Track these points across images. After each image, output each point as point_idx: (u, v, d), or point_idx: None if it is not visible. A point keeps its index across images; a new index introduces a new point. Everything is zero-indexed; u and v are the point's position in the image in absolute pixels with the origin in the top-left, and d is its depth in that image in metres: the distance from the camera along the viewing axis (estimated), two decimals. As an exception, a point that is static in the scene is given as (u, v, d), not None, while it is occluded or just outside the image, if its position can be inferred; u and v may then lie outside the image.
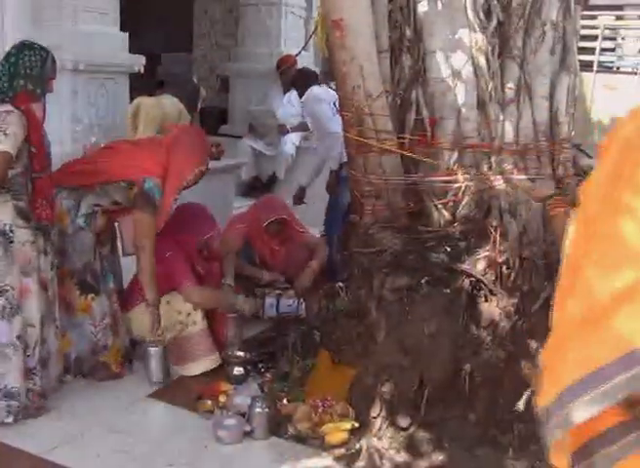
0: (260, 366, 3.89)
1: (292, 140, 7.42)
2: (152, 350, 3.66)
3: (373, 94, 3.26)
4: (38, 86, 3.09)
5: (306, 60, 8.38)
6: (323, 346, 3.60)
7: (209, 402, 3.45)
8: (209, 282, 4.16)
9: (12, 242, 3.04)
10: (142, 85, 6.32)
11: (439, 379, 3.09)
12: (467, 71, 3.26)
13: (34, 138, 3.06)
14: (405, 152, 3.36)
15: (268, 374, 3.75)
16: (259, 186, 7.59)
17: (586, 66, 8.57)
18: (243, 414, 3.27)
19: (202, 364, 3.83)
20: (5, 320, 3.07)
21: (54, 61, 3.21)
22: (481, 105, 3.29)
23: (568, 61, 3.44)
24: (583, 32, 8.41)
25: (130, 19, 6.14)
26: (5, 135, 2.93)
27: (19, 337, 3.10)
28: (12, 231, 3.04)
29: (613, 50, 9.30)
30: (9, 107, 2.98)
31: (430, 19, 3.25)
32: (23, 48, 3.10)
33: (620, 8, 11.71)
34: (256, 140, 7.46)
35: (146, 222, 3.56)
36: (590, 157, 7.65)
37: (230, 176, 6.20)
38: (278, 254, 4.73)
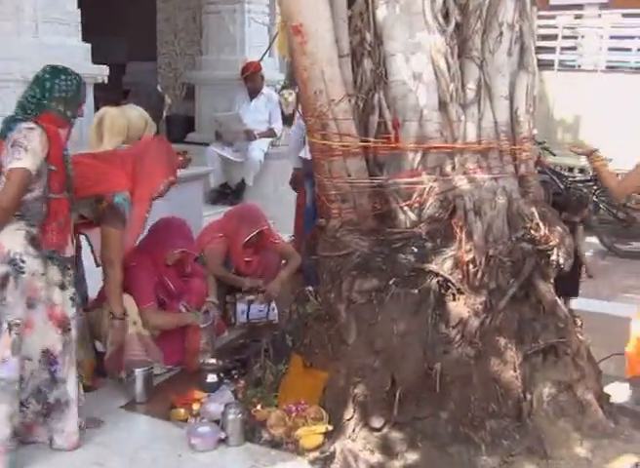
0: (233, 372, 3.90)
1: (259, 147, 7.42)
2: (138, 372, 3.66)
3: (335, 98, 3.28)
4: (69, 109, 3.06)
5: (270, 66, 8.41)
6: (295, 351, 3.62)
7: (182, 410, 3.45)
8: (186, 298, 4.17)
9: (23, 273, 2.91)
10: (107, 95, 6.29)
11: (410, 379, 3.11)
12: (428, 73, 3.29)
13: (54, 156, 2.97)
14: (369, 155, 3.39)
15: (242, 381, 3.75)
16: (228, 193, 7.57)
17: (548, 65, 8.67)
18: (217, 422, 3.28)
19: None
20: (15, 356, 2.92)
21: (85, 86, 3.20)
22: (443, 106, 3.33)
23: (526, 61, 3.49)
24: (544, 32, 8.55)
25: (92, 30, 6.11)
26: (25, 150, 2.86)
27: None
28: (23, 261, 2.90)
29: (574, 48, 9.42)
30: (31, 124, 2.92)
31: (390, 23, 3.28)
32: (58, 72, 3.05)
33: (580, 7, 11.90)
34: (223, 147, 7.44)
35: (115, 237, 3.54)
36: (554, 155, 7.74)
37: (198, 185, 6.18)
38: (252, 264, 4.76)
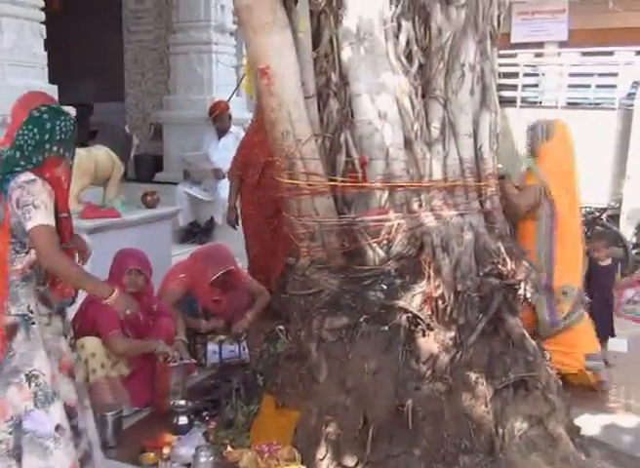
0: (204, 414, 3.87)
1: (228, 185, 7.44)
2: (109, 417, 3.62)
3: (302, 138, 3.32)
4: (68, 150, 2.87)
5: (238, 106, 8.49)
6: (266, 390, 3.60)
7: (152, 454, 3.41)
8: (155, 337, 4.15)
9: (33, 323, 2.80)
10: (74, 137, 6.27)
11: (383, 416, 3.11)
12: (393, 112, 3.35)
13: (62, 202, 2.84)
14: (337, 193, 3.42)
15: (213, 422, 3.72)
16: (197, 232, 7.57)
17: (511, 102, 8.85)
18: (188, 465, 3.24)
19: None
20: (41, 409, 2.77)
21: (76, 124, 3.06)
22: (408, 145, 3.38)
23: (488, 100, 3.57)
24: (506, 70, 8.74)
25: (59, 71, 6.13)
26: (35, 207, 2.70)
27: (58, 428, 2.80)
28: (31, 312, 2.80)
29: (535, 85, 9.63)
30: (30, 176, 2.74)
31: (355, 65, 3.34)
32: (57, 113, 2.87)
33: (540, 45, 12.21)
34: (191, 186, 7.45)
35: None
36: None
37: (167, 224, 6.17)
38: (221, 303, 4.74)
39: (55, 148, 2.82)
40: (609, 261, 4.98)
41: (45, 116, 2.83)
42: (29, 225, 2.71)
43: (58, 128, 2.82)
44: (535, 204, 4.43)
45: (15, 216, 2.75)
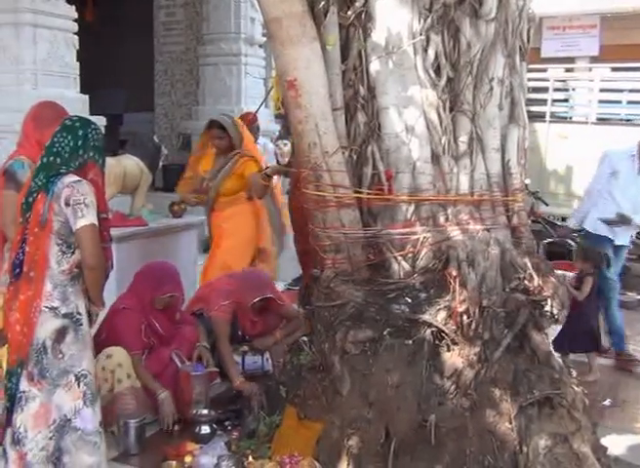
0: (226, 423, 3.86)
1: (254, 195, 7.47)
2: (132, 424, 3.64)
3: (329, 150, 3.33)
4: (101, 157, 3.04)
5: (266, 117, 8.53)
6: (289, 402, 3.59)
7: (174, 463, 3.40)
8: (177, 345, 4.16)
9: (81, 325, 2.91)
10: (104, 145, 6.34)
11: (405, 431, 3.09)
12: (420, 126, 3.35)
13: (102, 204, 2.98)
14: (363, 206, 3.42)
15: (235, 432, 3.71)
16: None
17: (540, 117, 8.81)
18: (209, 475, 3.23)
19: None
20: (90, 407, 2.91)
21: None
22: (435, 159, 3.38)
23: (516, 114, 3.56)
24: (536, 84, 8.71)
25: (91, 81, 6.21)
26: (86, 206, 2.82)
27: (101, 423, 2.98)
28: (79, 313, 2.91)
29: (565, 100, 9.58)
30: (75, 177, 2.87)
31: (383, 78, 3.35)
32: (87, 122, 3.04)
33: (571, 60, 12.15)
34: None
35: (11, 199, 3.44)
36: (547, 204, 7.80)
37: (194, 233, 6.20)
38: (257, 325, 4.74)
39: (89, 153, 2.97)
40: None
41: (77, 124, 3.00)
42: (81, 223, 2.82)
43: (90, 135, 2.98)
44: None
45: (61, 216, 2.85)
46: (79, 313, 2.91)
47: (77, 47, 5.78)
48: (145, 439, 3.71)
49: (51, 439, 2.85)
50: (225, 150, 5.13)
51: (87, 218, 2.82)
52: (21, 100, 4.99)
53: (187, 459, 3.40)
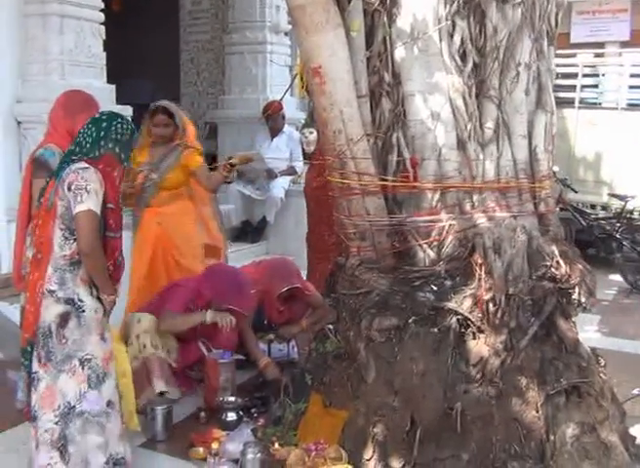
0: (252, 411, 3.89)
1: (281, 184, 7.49)
2: (159, 410, 3.69)
3: (354, 137, 3.32)
4: (123, 151, 3.05)
5: (292, 105, 8.52)
6: (314, 389, 3.60)
7: (201, 449, 3.44)
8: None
9: (83, 311, 2.94)
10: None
11: (430, 419, 3.08)
12: (446, 112, 3.32)
13: (111, 194, 2.98)
14: (388, 193, 3.41)
15: (261, 419, 3.74)
16: (250, 231, 7.63)
17: (569, 103, 8.68)
18: (236, 461, 3.26)
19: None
20: (94, 389, 2.96)
21: (136, 134, 3.25)
22: (461, 145, 3.34)
23: (544, 100, 3.51)
24: (565, 70, 8.58)
25: (117, 71, 6.24)
26: (87, 192, 2.85)
27: (109, 403, 3.02)
28: (81, 300, 2.94)
29: (595, 86, 9.43)
30: (84, 164, 2.91)
31: (408, 64, 3.32)
32: (115, 116, 3.07)
33: (600, 45, 11.94)
34: (245, 185, 7.50)
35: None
36: (576, 192, 7.71)
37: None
38: (284, 314, 4.77)
39: (110, 145, 2.99)
40: None
41: (103, 116, 3.07)
42: (79, 208, 2.85)
43: (114, 127, 3.01)
44: None
45: (64, 200, 2.90)
46: (80, 300, 2.94)
47: (104, 37, 5.80)
48: (172, 425, 3.74)
49: (56, 424, 2.90)
50: (167, 140, 4.79)
51: (86, 204, 2.85)
52: (49, 91, 5.02)
53: (214, 446, 3.42)
